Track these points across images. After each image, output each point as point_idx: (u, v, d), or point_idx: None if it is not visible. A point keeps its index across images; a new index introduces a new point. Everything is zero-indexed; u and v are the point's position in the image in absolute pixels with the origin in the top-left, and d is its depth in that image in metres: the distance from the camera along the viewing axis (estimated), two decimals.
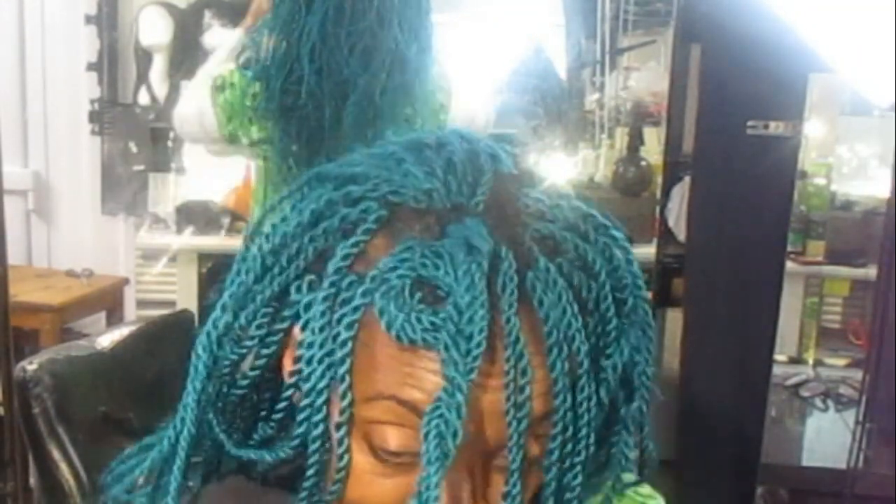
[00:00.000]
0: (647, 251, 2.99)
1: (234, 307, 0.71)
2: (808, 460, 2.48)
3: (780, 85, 2.28)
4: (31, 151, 3.67)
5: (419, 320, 0.62)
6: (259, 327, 0.69)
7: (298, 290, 0.68)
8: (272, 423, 0.73)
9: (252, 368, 0.71)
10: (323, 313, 0.66)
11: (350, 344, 0.65)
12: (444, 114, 1.99)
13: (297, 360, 0.68)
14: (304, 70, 1.83)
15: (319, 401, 0.66)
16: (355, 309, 0.65)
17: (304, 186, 0.74)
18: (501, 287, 0.63)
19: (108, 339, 1.08)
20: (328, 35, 1.84)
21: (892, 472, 2.21)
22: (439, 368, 0.63)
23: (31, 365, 1.03)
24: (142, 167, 3.58)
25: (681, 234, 2.81)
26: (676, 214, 2.87)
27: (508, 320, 0.63)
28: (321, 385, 0.66)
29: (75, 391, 0.93)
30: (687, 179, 2.68)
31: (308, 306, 0.67)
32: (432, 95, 1.97)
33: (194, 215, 3.41)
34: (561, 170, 3.64)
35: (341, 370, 0.65)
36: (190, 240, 3.35)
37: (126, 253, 3.64)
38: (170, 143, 3.50)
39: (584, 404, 0.67)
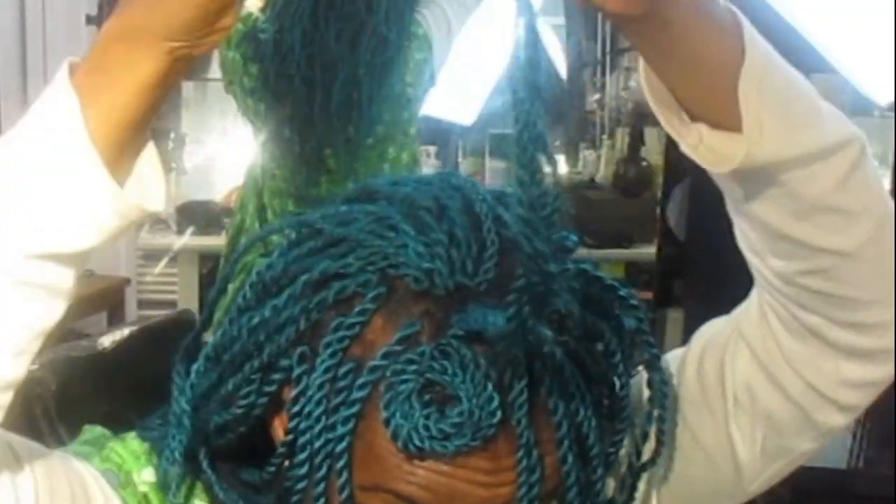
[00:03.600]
0: (647, 251, 2.99)
1: (221, 371, 0.69)
2: (808, 460, 2.48)
3: None
4: None
5: (427, 428, 0.60)
6: (247, 395, 0.68)
7: (289, 357, 0.66)
8: (262, 475, 0.71)
9: (239, 424, 0.70)
10: (319, 402, 0.64)
11: (349, 439, 0.63)
12: (426, 65, 1.98)
13: (288, 431, 0.66)
14: (296, 55, 1.84)
15: (319, 489, 0.64)
16: (353, 403, 0.62)
17: (290, 231, 0.71)
18: (510, 386, 0.61)
19: (109, 340, 1.08)
20: (319, 20, 1.85)
21: (892, 472, 2.20)
22: (443, 468, 0.61)
23: (32, 365, 1.03)
24: None
25: (681, 234, 2.82)
26: (677, 214, 2.88)
27: (521, 433, 0.62)
28: (318, 476, 0.64)
29: (77, 392, 0.93)
30: (687, 180, 2.68)
31: (299, 379, 0.65)
32: (414, 65, 1.96)
33: (195, 215, 3.41)
34: (561, 170, 3.64)
35: (339, 464, 0.63)
36: (191, 240, 3.35)
37: (127, 253, 3.63)
38: (170, 144, 3.50)
39: (598, 484, 0.67)
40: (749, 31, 0.63)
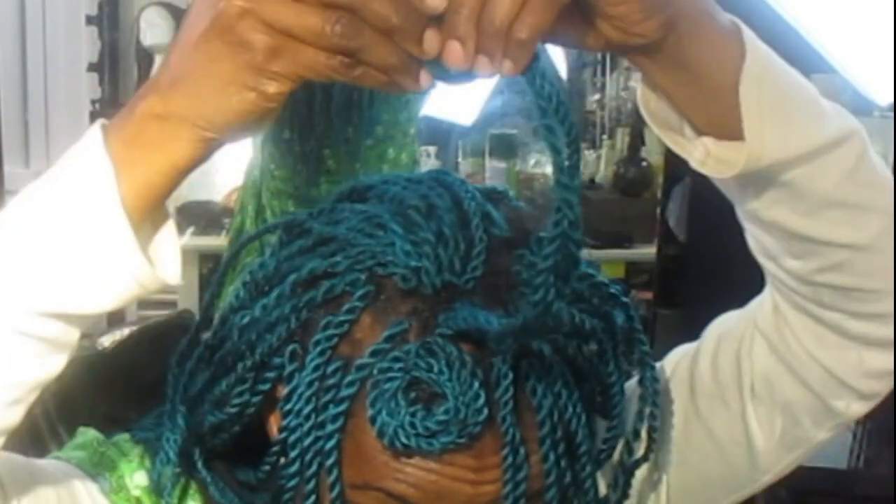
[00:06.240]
0: (647, 251, 2.99)
1: (214, 370, 0.70)
2: (808, 460, 2.48)
3: None
4: (33, 152, 3.67)
5: (413, 426, 0.60)
6: (240, 394, 0.68)
7: (281, 356, 0.66)
8: (256, 474, 0.72)
9: (233, 423, 0.70)
10: (308, 399, 0.64)
11: (338, 437, 0.63)
12: None
13: (281, 430, 0.66)
14: None
15: (310, 487, 0.65)
16: (341, 401, 0.63)
17: (280, 231, 0.72)
18: (496, 384, 0.62)
19: (109, 340, 1.08)
20: None
21: (892, 472, 2.20)
22: (431, 466, 0.62)
23: None
24: None
25: (681, 234, 2.81)
26: (676, 214, 2.87)
27: (506, 431, 0.62)
28: (309, 473, 0.64)
29: (77, 392, 0.93)
30: (687, 180, 2.68)
31: (291, 377, 0.65)
32: None
33: (195, 215, 3.41)
34: None
35: (328, 462, 0.64)
36: (191, 240, 3.35)
37: None
38: None
39: (587, 481, 0.67)
40: (748, 32, 0.63)
